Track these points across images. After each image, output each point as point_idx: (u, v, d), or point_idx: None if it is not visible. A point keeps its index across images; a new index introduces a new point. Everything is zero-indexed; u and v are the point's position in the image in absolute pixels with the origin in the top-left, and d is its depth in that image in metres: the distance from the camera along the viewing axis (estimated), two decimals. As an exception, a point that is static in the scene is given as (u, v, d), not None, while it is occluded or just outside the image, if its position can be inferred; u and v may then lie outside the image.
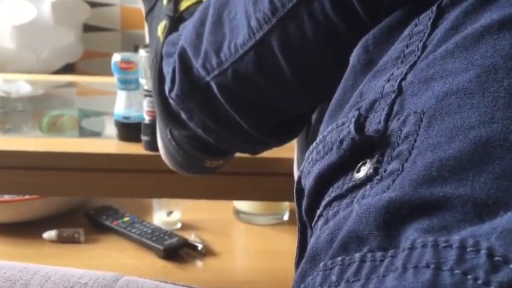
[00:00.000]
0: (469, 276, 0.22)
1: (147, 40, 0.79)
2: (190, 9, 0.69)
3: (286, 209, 1.25)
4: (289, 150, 0.88)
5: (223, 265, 1.08)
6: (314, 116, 0.67)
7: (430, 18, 0.35)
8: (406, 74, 0.33)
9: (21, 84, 1.38)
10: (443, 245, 0.24)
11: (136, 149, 0.91)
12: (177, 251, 1.10)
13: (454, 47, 0.31)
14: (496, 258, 0.22)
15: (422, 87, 0.31)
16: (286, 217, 1.25)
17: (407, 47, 0.35)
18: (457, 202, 0.26)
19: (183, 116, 0.66)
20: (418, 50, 0.34)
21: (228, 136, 0.65)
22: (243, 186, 0.93)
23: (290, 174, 0.85)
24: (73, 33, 1.64)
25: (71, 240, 1.12)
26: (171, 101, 0.66)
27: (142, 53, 0.87)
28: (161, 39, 0.69)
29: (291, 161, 0.87)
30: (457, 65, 0.31)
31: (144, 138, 0.90)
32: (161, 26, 0.71)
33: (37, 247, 1.11)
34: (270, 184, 0.91)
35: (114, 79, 0.97)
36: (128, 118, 0.95)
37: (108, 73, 1.13)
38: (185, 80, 0.62)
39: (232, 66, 0.56)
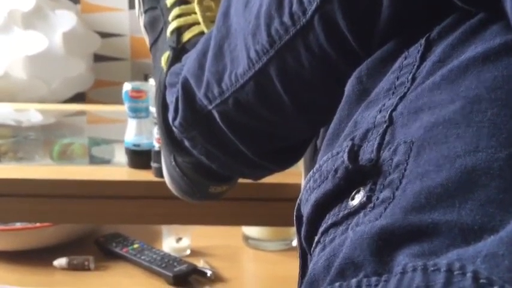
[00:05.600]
0: None
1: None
2: (193, 41, 0.71)
3: (295, 234, 1.25)
4: (297, 175, 0.89)
5: (232, 291, 1.09)
6: (319, 143, 0.69)
7: (418, 51, 0.36)
8: (396, 105, 0.35)
9: (32, 114, 1.41)
10: (432, 268, 0.25)
11: (147, 176, 0.93)
12: (187, 277, 1.10)
13: (441, 80, 0.33)
14: (481, 280, 0.23)
15: (412, 118, 0.33)
16: (295, 243, 1.25)
17: (397, 79, 0.36)
18: (444, 228, 0.27)
19: (187, 143, 0.67)
20: (407, 82, 0.35)
21: (230, 163, 0.66)
22: (251, 212, 0.94)
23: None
24: (84, 63, 1.67)
25: (81, 268, 1.13)
26: (174, 129, 0.67)
27: (152, 82, 0.89)
28: (164, 70, 0.71)
29: (298, 186, 0.87)
30: (443, 97, 0.32)
31: (154, 165, 0.92)
32: (164, 57, 0.73)
33: (47, 275, 1.11)
34: (278, 209, 0.92)
35: (124, 107, 0.99)
36: (138, 146, 0.96)
37: (118, 102, 1.15)
38: (188, 109, 0.64)
39: (233, 96, 0.57)
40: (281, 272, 1.15)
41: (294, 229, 1.25)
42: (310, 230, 0.37)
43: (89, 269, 1.13)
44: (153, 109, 0.90)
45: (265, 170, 0.68)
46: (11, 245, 1.17)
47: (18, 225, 1.15)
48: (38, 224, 1.14)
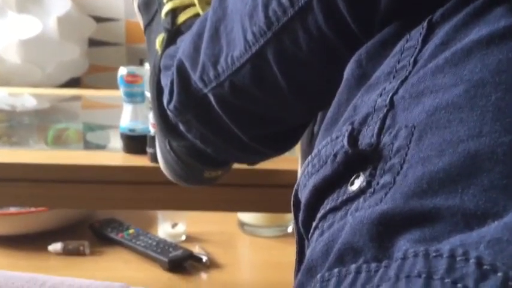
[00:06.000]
0: (458, 285, 0.23)
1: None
2: (188, 23, 0.70)
3: (290, 220, 1.25)
4: (293, 161, 0.88)
5: (227, 277, 1.09)
6: (316, 128, 0.68)
7: (420, 33, 0.36)
8: (397, 89, 0.34)
9: (26, 98, 1.40)
10: (434, 254, 0.25)
11: (142, 161, 0.92)
12: (182, 263, 1.11)
13: (444, 63, 0.32)
14: (485, 266, 0.23)
15: (413, 102, 0.32)
16: (290, 229, 1.25)
17: (399, 62, 0.36)
18: (446, 213, 0.27)
19: (181, 127, 0.67)
20: (409, 65, 0.35)
21: (225, 147, 0.66)
22: (247, 198, 0.93)
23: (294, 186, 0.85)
24: (78, 48, 1.66)
25: (76, 253, 1.13)
26: (169, 112, 0.67)
27: (147, 66, 0.88)
28: (159, 52, 0.70)
29: (294, 172, 0.87)
30: (446, 80, 0.31)
31: (149, 150, 0.91)
32: (159, 39, 0.71)
33: (42, 259, 1.12)
34: (274, 196, 0.92)
35: (118, 93, 0.99)
36: (133, 130, 0.96)
37: (113, 87, 1.14)
38: (183, 92, 0.63)
39: (229, 79, 0.56)
40: (276, 258, 1.16)
41: (289, 215, 1.26)
42: (308, 216, 0.37)
43: (84, 254, 1.13)
44: (148, 94, 0.90)
45: (260, 154, 0.67)
46: (6, 230, 1.17)
47: (12, 209, 1.15)
48: (32, 209, 1.14)
